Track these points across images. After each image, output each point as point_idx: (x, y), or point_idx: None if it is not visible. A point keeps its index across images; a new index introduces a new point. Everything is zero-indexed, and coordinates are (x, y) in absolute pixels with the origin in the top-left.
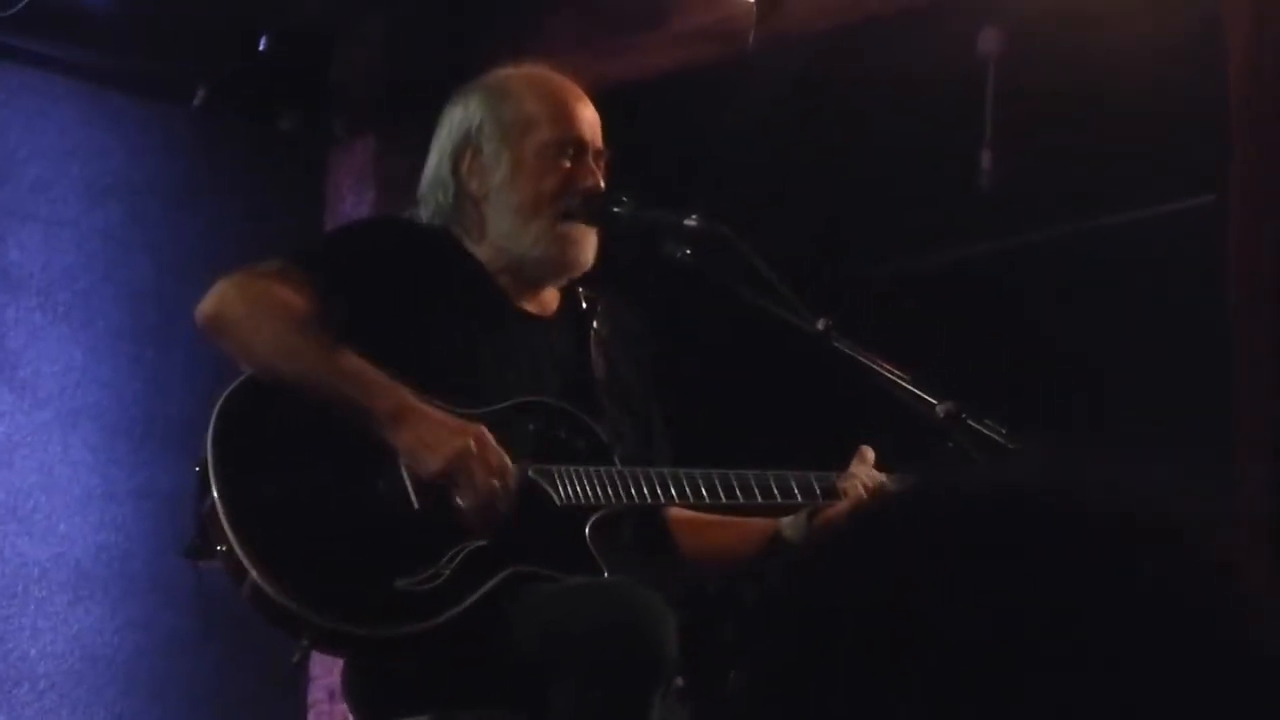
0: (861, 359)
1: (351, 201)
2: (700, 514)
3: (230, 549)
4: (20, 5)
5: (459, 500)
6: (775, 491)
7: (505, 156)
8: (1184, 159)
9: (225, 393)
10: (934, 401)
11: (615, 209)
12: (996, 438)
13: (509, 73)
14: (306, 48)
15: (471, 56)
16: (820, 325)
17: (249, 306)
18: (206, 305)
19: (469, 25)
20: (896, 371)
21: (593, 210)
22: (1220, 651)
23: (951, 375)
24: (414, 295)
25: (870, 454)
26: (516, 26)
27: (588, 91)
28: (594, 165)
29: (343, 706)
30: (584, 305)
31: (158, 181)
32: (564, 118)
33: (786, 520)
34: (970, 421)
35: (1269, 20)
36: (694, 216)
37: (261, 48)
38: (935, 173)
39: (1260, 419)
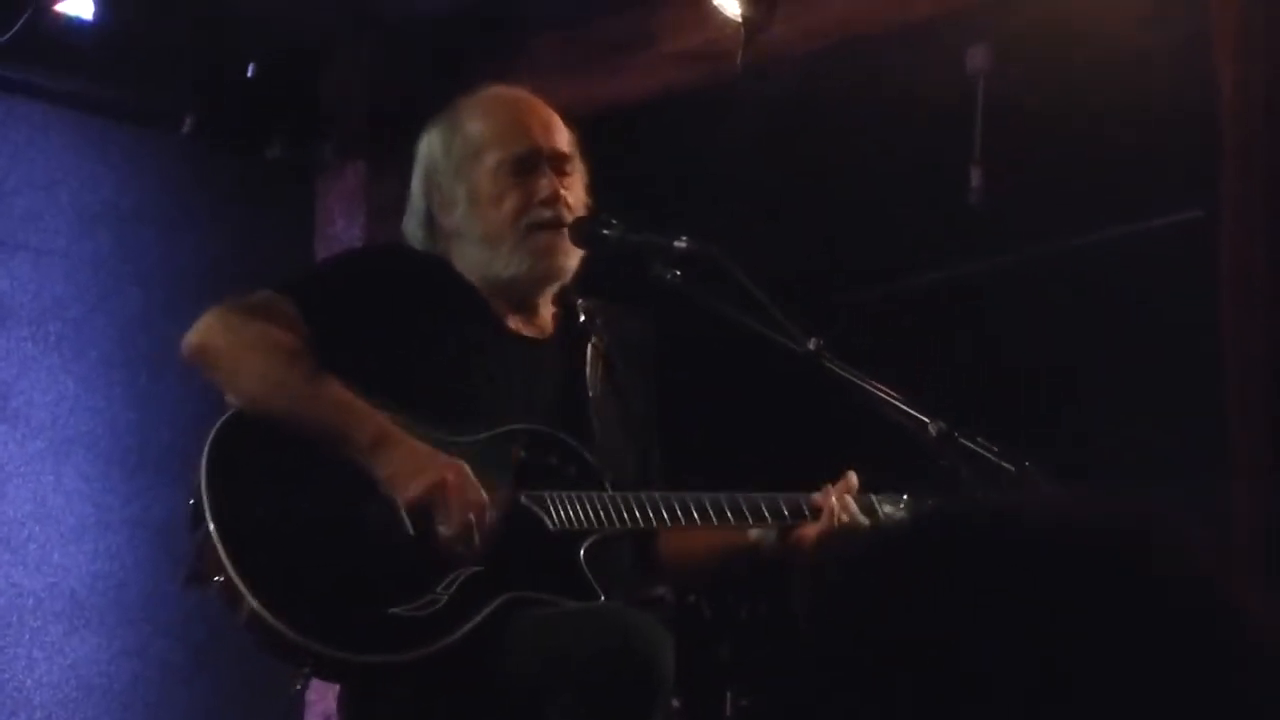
0: (852, 378)
1: (342, 226)
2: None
3: (227, 579)
4: (8, 35)
5: (439, 528)
6: (763, 513)
7: (461, 189)
8: (1174, 174)
9: (218, 423)
10: (926, 420)
11: (604, 231)
12: (988, 455)
13: (463, 100)
14: (294, 75)
15: (458, 81)
16: (811, 345)
17: (233, 339)
18: (192, 338)
19: (455, 50)
20: (887, 391)
21: (579, 233)
22: (1223, 659)
23: (943, 393)
24: (404, 323)
25: (854, 479)
26: (504, 50)
27: (574, 114)
28: (550, 173)
29: None
30: (582, 318)
31: (148, 209)
32: (511, 134)
33: (757, 535)
34: (962, 440)
35: (1257, 35)
36: (683, 238)
37: (249, 75)
38: (925, 190)
39: (1253, 430)
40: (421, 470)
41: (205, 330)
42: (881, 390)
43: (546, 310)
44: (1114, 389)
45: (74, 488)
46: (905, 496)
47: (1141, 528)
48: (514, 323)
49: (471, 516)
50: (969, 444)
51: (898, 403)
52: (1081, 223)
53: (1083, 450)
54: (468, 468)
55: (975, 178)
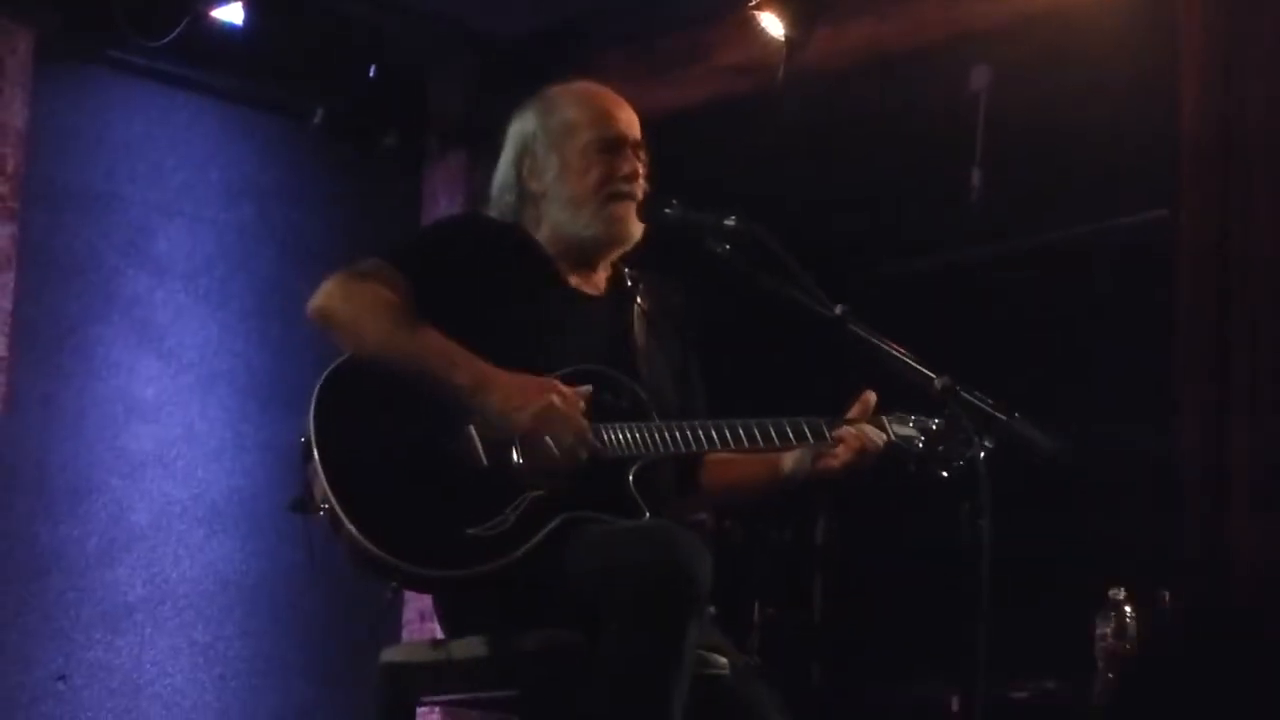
0: (871, 338)
1: (444, 207)
2: (721, 455)
3: (331, 506)
4: (170, 37)
5: (552, 448)
6: (790, 435)
7: (554, 158)
8: (1143, 178)
9: (323, 375)
10: (932, 376)
11: (666, 210)
12: (985, 407)
13: (555, 88)
14: (406, 78)
15: (540, 84)
16: (838, 310)
17: (350, 302)
18: (314, 302)
19: (540, 59)
20: (899, 349)
21: (646, 210)
22: None
23: (944, 356)
24: (487, 280)
25: (872, 398)
26: (575, 62)
27: (640, 117)
28: (631, 156)
29: (432, 625)
30: (629, 284)
31: (283, 187)
32: (601, 120)
33: (790, 456)
34: (963, 393)
35: (1216, 67)
36: (732, 217)
37: (370, 77)
38: (933, 187)
39: (1197, 395)
40: (526, 401)
41: (326, 295)
42: (894, 348)
43: (603, 272)
44: (1089, 353)
45: (216, 415)
46: (913, 417)
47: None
48: (574, 280)
49: (580, 433)
50: (969, 396)
51: (908, 359)
52: (1065, 216)
53: (1063, 402)
54: (558, 382)
55: (976, 178)
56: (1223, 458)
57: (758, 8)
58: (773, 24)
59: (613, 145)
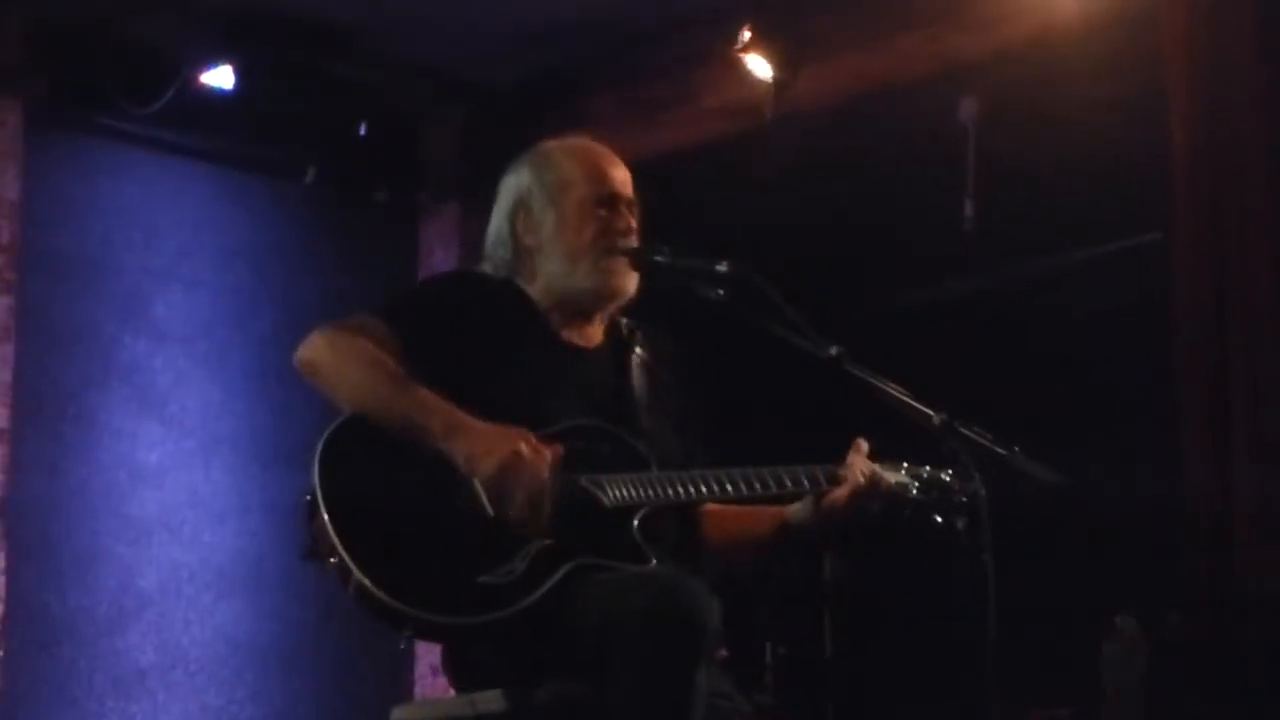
0: (867, 378)
1: (440, 258)
2: (723, 506)
3: (340, 559)
4: (161, 103)
5: (514, 497)
6: (787, 483)
7: (551, 213)
8: (1135, 203)
9: (329, 428)
10: (930, 413)
11: (657, 258)
12: (984, 443)
13: (551, 144)
14: (398, 133)
15: (533, 133)
16: (833, 352)
17: (333, 353)
18: (301, 353)
19: (530, 108)
20: (897, 388)
21: (638, 259)
22: None
23: (942, 387)
24: (480, 337)
25: (865, 445)
26: (566, 108)
27: (626, 160)
28: (626, 212)
29: (443, 680)
30: (624, 334)
31: (278, 246)
32: (597, 176)
33: (793, 508)
34: (962, 429)
35: (1203, 92)
36: (724, 262)
37: (361, 134)
38: (925, 218)
39: (1198, 415)
40: (492, 449)
41: (312, 347)
42: (892, 388)
43: (598, 325)
44: (1083, 377)
45: (220, 478)
46: (905, 464)
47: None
48: (568, 334)
49: (540, 487)
50: (967, 432)
51: (905, 397)
52: (1058, 243)
53: (1062, 434)
54: (530, 435)
55: (968, 208)
56: (1225, 493)
57: (744, 50)
58: (760, 65)
59: (608, 201)
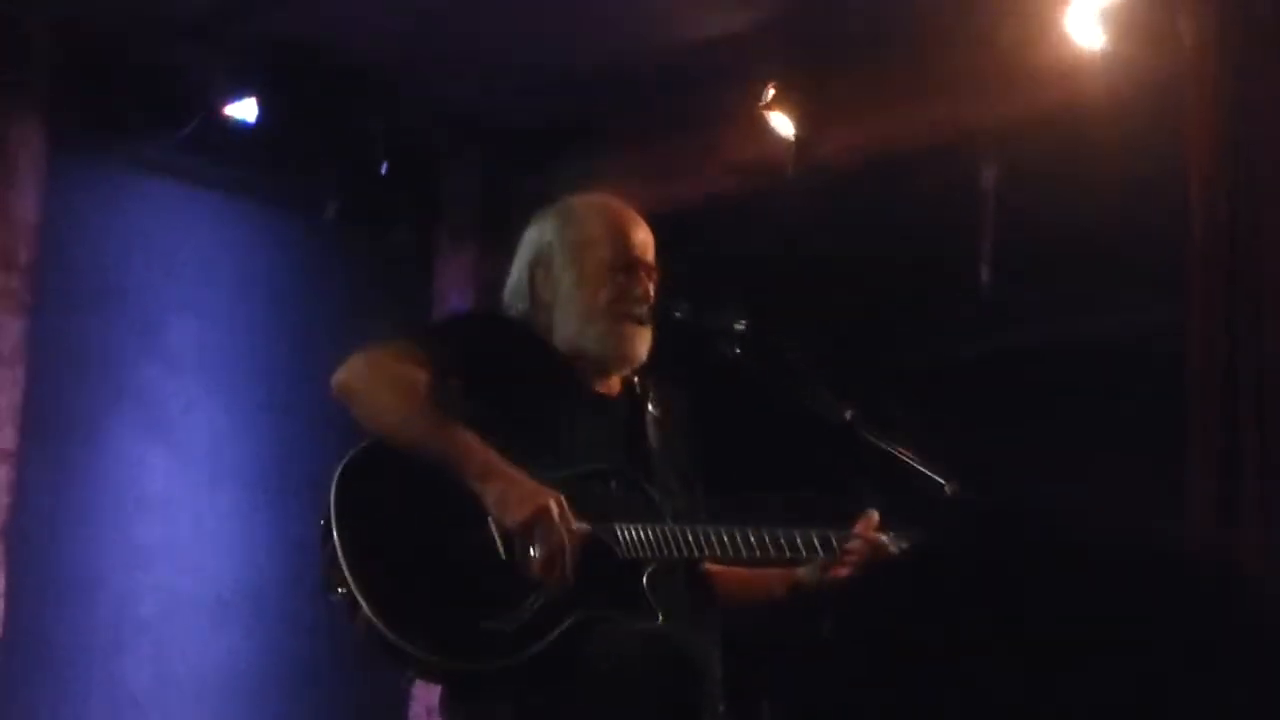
0: (880, 444)
1: (454, 300)
2: (733, 566)
3: (348, 590)
4: (185, 133)
5: (533, 551)
6: (800, 547)
7: (570, 271)
8: (1152, 277)
9: (345, 459)
10: (942, 481)
11: (677, 314)
12: (994, 512)
13: (576, 199)
14: (418, 173)
15: (553, 181)
16: (847, 415)
17: (373, 379)
18: (338, 376)
19: (551, 155)
20: (908, 454)
21: (658, 315)
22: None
23: (954, 451)
24: (508, 376)
25: (875, 516)
26: (592, 157)
27: (648, 214)
28: (644, 278)
29: None
30: (639, 389)
31: (295, 280)
32: (619, 240)
33: (802, 571)
34: (973, 499)
35: (1224, 167)
36: (742, 321)
37: (382, 172)
38: (942, 282)
39: (1207, 490)
40: (525, 499)
41: (349, 370)
42: (904, 454)
43: (615, 378)
44: (1096, 445)
45: (225, 508)
46: (910, 534)
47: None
48: (591, 383)
49: (566, 541)
50: (978, 502)
51: (917, 465)
52: (1074, 312)
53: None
54: (563, 498)
55: (984, 274)
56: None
57: (768, 107)
58: (782, 123)
59: (628, 266)
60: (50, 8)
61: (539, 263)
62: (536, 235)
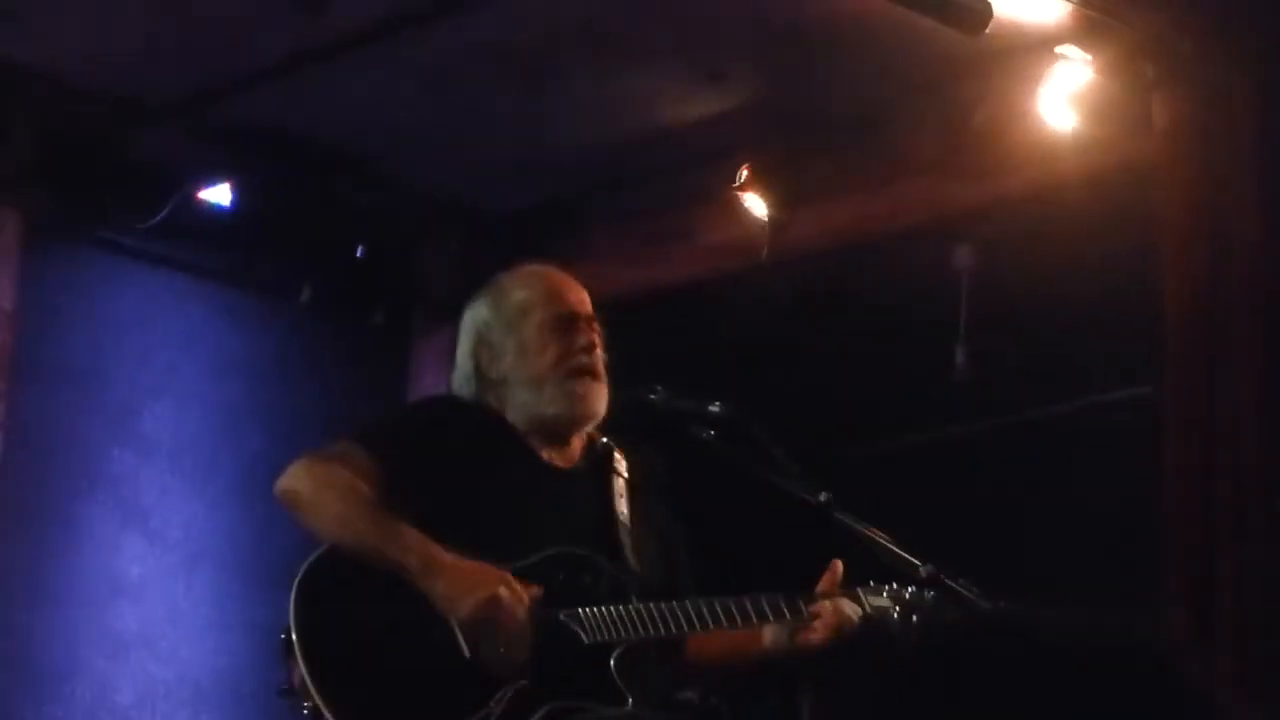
0: (855, 526)
1: (432, 381)
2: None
3: (314, 704)
4: (158, 218)
5: (488, 644)
6: (766, 612)
7: (510, 342)
8: (1126, 356)
9: (303, 567)
10: (917, 563)
11: (651, 396)
12: (970, 596)
13: (504, 275)
14: (394, 255)
15: (528, 261)
16: (822, 497)
17: (313, 484)
18: (281, 483)
19: (528, 236)
20: (883, 536)
21: (632, 399)
22: None
23: (929, 535)
24: (460, 460)
25: (839, 567)
26: (565, 239)
27: (623, 294)
28: (586, 329)
29: None
30: (601, 453)
31: (270, 364)
32: (552, 298)
33: (768, 631)
34: (948, 581)
35: (1197, 248)
36: (717, 404)
37: (358, 255)
38: (918, 365)
39: (1183, 562)
40: (471, 589)
41: (291, 477)
42: (880, 537)
43: (576, 443)
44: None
45: (201, 594)
46: (887, 586)
47: (1156, 646)
48: (548, 455)
49: (513, 639)
50: (953, 584)
51: (891, 546)
52: (1049, 393)
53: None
54: (510, 576)
55: (960, 355)
56: (1210, 636)
57: (742, 188)
58: (756, 204)
59: (566, 321)
60: (24, 93)
61: (480, 343)
62: (473, 317)
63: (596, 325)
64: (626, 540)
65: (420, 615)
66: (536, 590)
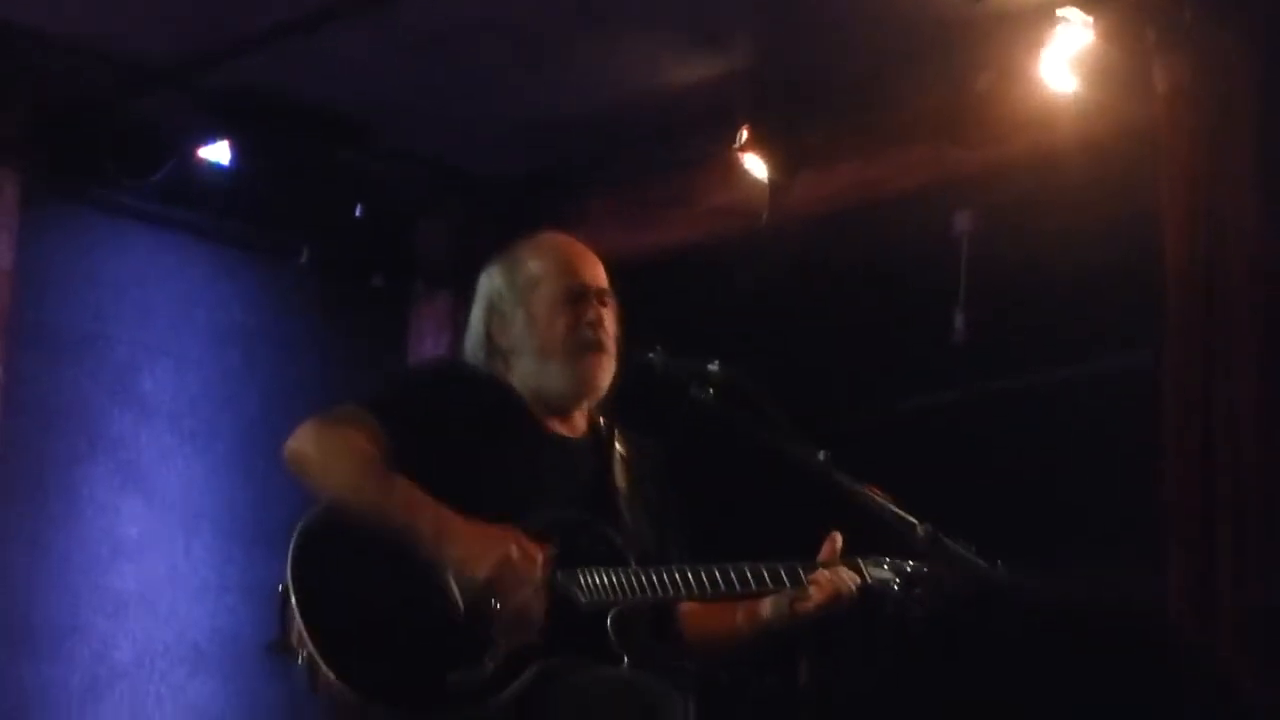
0: (852, 486)
1: (430, 345)
2: (699, 603)
3: (309, 653)
4: (158, 175)
5: (497, 604)
6: (766, 580)
7: (521, 312)
8: (1127, 321)
9: (301, 522)
10: (915, 523)
11: (649, 356)
12: (968, 555)
13: (521, 243)
14: (395, 219)
15: (527, 226)
16: (820, 457)
17: (321, 447)
18: (291, 444)
19: (528, 202)
20: (881, 495)
21: (630, 361)
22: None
23: (927, 498)
24: (465, 425)
25: (839, 539)
26: (565, 205)
27: (623, 259)
28: (597, 305)
29: None
30: (604, 430)
31: (269, 327)
32: (565, 270)
33: (768, 601)
34: (946, 541)
35: (1197, 213)
36: (715, 363)
37: (357, 216)
38: (917, 328)
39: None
40: (484, 553)
41: (299, 439)
42: (875, 494)
43: (580, 416)
44: (1071, 493)
45: (200, 556)
46: (888, 559)
47: (1154, 614)
48: (552, 425)
49: (537, 574)
50: (951, 544)
51: (889, 506)
52: (1048, 359)
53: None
54: (523, 536)
55: (958, 320)
56: (1211, 603)
57: (742, 149)
58: (757, 166)
59: (578, 295)
60: (23, 55)
61: (492, 310)
62: (487, 284)
63: (610, 299)
64: (624, 508)
65: (416, 571)
66: (548, 547)
